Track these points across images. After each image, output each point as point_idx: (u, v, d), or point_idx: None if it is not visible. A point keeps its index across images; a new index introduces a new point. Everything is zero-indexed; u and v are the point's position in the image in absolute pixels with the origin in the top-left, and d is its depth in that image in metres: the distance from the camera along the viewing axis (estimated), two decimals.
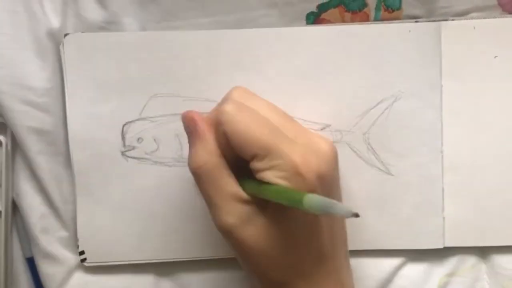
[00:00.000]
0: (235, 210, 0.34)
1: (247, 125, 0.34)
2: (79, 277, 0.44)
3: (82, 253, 0.43)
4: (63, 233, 0.44)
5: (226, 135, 0.34)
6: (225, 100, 0.36)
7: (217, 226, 0.35)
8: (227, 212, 0.34)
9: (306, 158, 0.33)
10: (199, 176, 0.35)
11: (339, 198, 0.39)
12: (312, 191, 0.33)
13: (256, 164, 0.34)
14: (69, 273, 0.44)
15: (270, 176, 0.33)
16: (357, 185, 0.43)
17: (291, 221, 0.34)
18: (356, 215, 0.26)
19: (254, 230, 0.34)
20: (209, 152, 0.35)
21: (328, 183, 0.35)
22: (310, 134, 0.36)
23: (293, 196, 0.31)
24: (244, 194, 0.35)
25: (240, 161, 0.35)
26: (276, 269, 0.35)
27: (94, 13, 0.42)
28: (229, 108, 0.34)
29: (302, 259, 0.35)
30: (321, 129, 0.42)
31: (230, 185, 0.35)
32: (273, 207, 0.34)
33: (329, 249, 0.36)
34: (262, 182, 0.34)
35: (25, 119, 0.42)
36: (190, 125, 0.36)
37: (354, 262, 0.44)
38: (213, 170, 0.35)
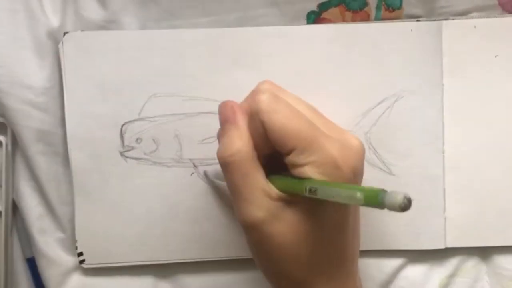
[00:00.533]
0: (266, 205, 0.33)
1: (286, 117, 0.33)
2: (77, 279, 0.43)
3: (80, 254, 0.42)
4: (60, 235, 0.43)
5: (263, 125, 0.33)
6: (256, 92, 0.34)
7: (243, 219, 0.34)
8: (257, 206, 0.33)
9: (343, 152, 0.33)
10: (230, 165, 0.34)
11: None
12: None
13: (294, 158, 0.33)
14: (67, 275, 0.43)
15: (309, 171, 0.32)
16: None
17: (321, 219, 0.34)
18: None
19: (283, 226, 0.33)
20: (244, 142, 0.33)
21: (359, 179, 0.35)
22: (341, 130, 0.36)
23: (355, 191, 0.28)
24: (273, 189, 0.34)
25: (266, 157, 0.35)
26: (300, 267, 0.34)
27: (94, 12, 0.42)
28: (265, 97, 0.33)
29: (327, 259, 0.35)
30: None
31: (261, 178, 0.34)
32: (303, 204, 0.33)
33: (351, 250, 0.36)
34: (300, 178, 0.33)
35: (24, 118, 0.41)
36: (228, 114, 0.35)
37: None
38: (245, 160, 0.33)
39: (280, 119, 0.33)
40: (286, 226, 0.33)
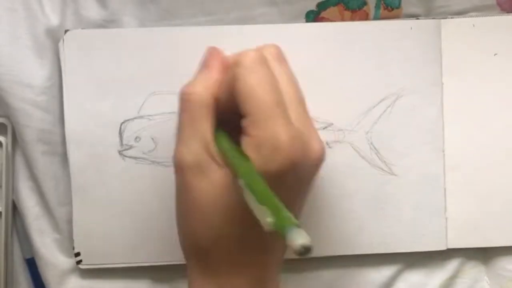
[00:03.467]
0: (198, 154, 0.32)
1: (259, 83, 0.31)
2: (74, 281, 0.43)
3: (77, 254, 0.41)
4: (57, 236, 0.43)
5: (234, 78, 0.32)
6: (256, 49, 0.34)
7: (173, 158, 0.33)
8: (189, 150, 0.32)
9: (293, 142, 0.30)
10: (184, 103, 0.33)
11: (295, 209, 0.34)
12: (276, 177, 0.30)
13: (246, 123, 0.31)
14: (65, 277, 0.43)
15: (247, 143, 0.31)
16: (360, 186, 0.42)
17: (234, 195, 0.32)
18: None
19: (206, 183, 0.32)
20: (205, 86, 0.33)
21: (294, 182, 0.32)
22: (312, 128, 0.34)
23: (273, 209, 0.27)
24: (212, 144, 0.32)
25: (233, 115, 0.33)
26: (210, 233, 0.33)
27: (93, 11, 0.42)
28: (253, 55, 0.32)
29: (241, 237, 0.33)
30: (324, 128, 0.41)
31: (206, 127, 0.33)
32: (228, 172, 0.32)
33: (271, 241, 0.33)
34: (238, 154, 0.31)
35: (24, 117, 0.41)
36: (207, 57, 0.35)
37: (353, 266, 0.43)
38: (199, 105, 0.33)
39: (252, 80, 0.31)
40: (209, 184, 0.32)
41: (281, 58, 0.35)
